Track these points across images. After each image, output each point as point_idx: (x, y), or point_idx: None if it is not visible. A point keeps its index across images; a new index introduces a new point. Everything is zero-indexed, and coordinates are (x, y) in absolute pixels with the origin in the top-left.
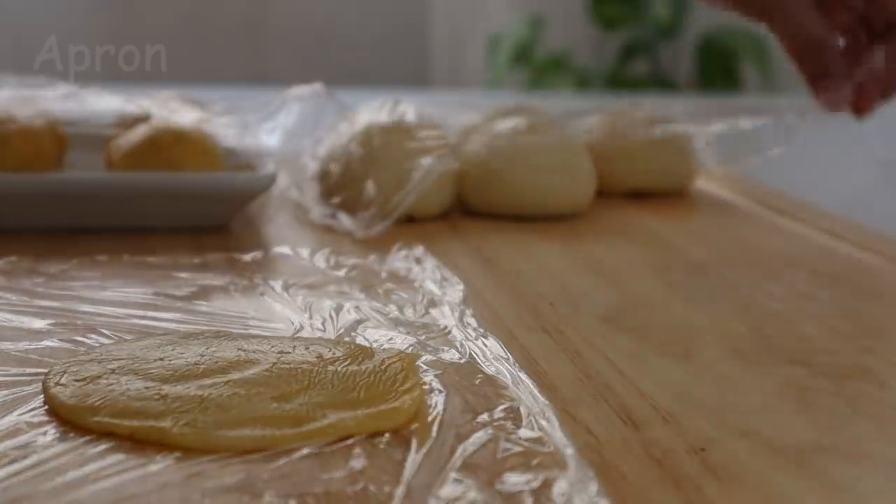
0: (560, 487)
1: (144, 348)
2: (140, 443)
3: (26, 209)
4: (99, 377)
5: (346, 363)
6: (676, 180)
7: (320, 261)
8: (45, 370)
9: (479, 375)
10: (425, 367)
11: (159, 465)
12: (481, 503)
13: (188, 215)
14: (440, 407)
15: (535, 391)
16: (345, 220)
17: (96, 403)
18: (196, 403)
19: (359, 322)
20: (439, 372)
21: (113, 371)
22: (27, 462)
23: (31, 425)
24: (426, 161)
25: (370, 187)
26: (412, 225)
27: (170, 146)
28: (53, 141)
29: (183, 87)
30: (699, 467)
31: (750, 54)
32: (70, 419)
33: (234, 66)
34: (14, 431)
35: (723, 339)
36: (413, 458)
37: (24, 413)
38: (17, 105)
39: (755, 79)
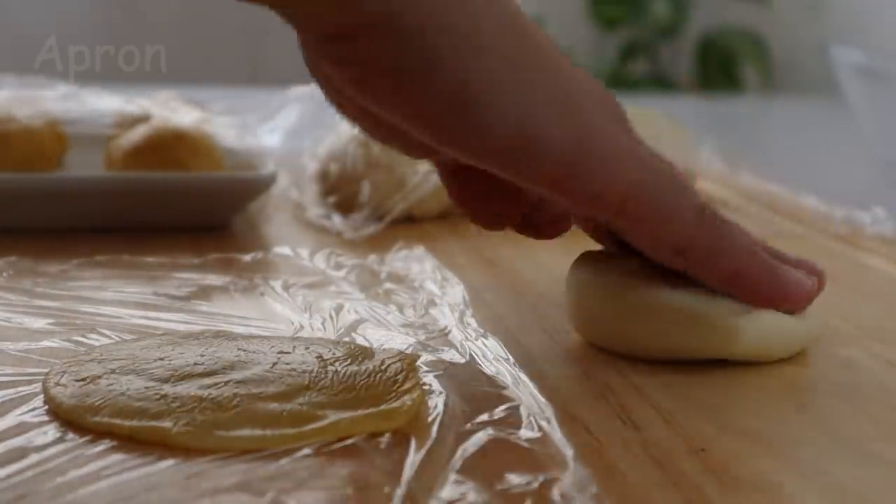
0: (560, 488)
1: (144, 348)
2: (140, 443)
3: (26, 209)
4: (99, 377)
5: (346, 363)
6: None
7: (320, 261)
8: (45, 370)
9: (480, 375)
10: (425, 368)
11: (159, 465)
12: None
13: (188, 215)
14: (440, 407)
15: (535, 391)
16: (337, 221)
17: (96, 403)
18: (196, 403)
19: (359, 322)
20: (439, 372)
21: (113, 371)
22: (27, 462)
23: (31, 425)
24: (424, 168)
25: (365, 188)
26: (412, 225)
27: (170, 146)
28: (53, 141)
29: (183, 87)
30: (699, 468)
31: (750, 55)
32: (70, 419)
33: (234, 66)
34: (14, 431)
35: None
36: (413, 459)
37: (24, 413)
38: (17, 105)
39: (755, 79)
